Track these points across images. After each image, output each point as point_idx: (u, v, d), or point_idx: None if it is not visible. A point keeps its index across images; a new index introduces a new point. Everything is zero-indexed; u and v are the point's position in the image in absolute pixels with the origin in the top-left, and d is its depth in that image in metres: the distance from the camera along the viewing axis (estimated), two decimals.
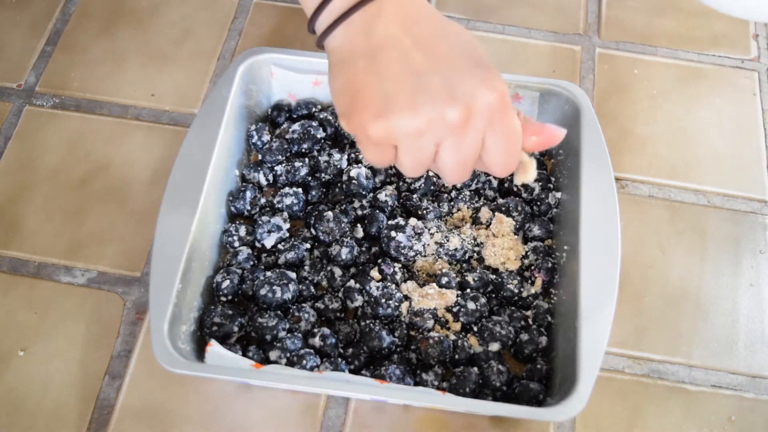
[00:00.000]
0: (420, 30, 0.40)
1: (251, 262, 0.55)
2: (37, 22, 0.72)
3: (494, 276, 0.54)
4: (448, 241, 0.54)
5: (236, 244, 0.55)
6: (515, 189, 0.58)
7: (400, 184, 0.58)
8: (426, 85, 0.39)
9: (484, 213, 0.56)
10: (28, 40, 0.71)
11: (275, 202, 0.57)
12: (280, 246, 0.55)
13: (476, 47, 0.41)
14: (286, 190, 0.57)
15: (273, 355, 0.50)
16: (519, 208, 0.56)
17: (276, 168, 0.59)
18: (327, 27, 0.41)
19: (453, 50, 0.40)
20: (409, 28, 0.40)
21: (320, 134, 0.59)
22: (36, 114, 0.66)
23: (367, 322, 0.51)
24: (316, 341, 0.50)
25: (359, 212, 0.57)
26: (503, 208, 0.57)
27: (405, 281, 0.53)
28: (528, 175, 0.46)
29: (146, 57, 0.70)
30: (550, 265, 0.54)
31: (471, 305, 0.51)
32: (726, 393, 0.54)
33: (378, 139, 0.40)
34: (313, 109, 0.62)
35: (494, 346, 0.51)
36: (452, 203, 0.57)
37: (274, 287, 0.51)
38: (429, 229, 0.55)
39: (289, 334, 0.51)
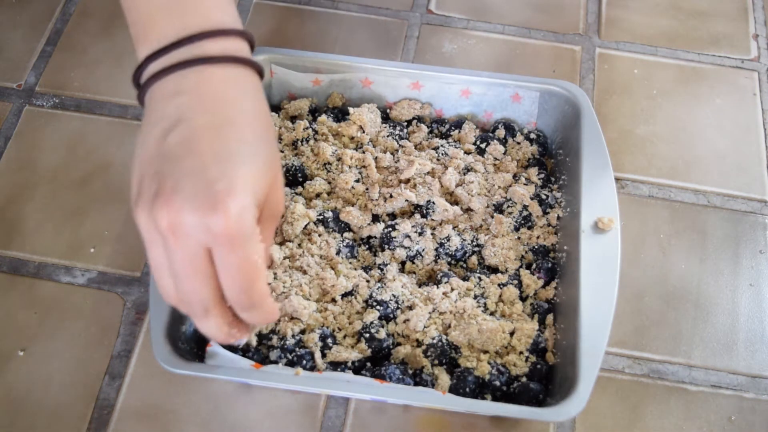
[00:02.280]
0: (200, 119, 0.37)
1: None
2: (37, 22, 0.72)
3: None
4: (448, 240, 0.54)
5: None
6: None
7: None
8: (161, 173, 0.36)
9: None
10: (28, 40, 0.71)
11: None
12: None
13: (238, 162, 0.36)
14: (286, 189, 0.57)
15: (273, 355, 0.50)
16: (518, 209, 0.56)
17: None
18: (140, 88, 0.40)
19: (214, 153, 0.36)
20: (192, 113, 0.37)
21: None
22: (36, 114, 0.66)
23: (368, 321, 0.51)
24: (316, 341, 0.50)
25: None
26: (502, 209, 0.57)
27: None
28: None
29: None
30: (550, 265, 0.54)
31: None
32: (726, 393, 0.54)
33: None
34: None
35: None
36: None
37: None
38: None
39: None
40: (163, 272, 0.38)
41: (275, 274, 0.53)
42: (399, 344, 0.51)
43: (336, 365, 0.49)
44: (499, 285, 0.53)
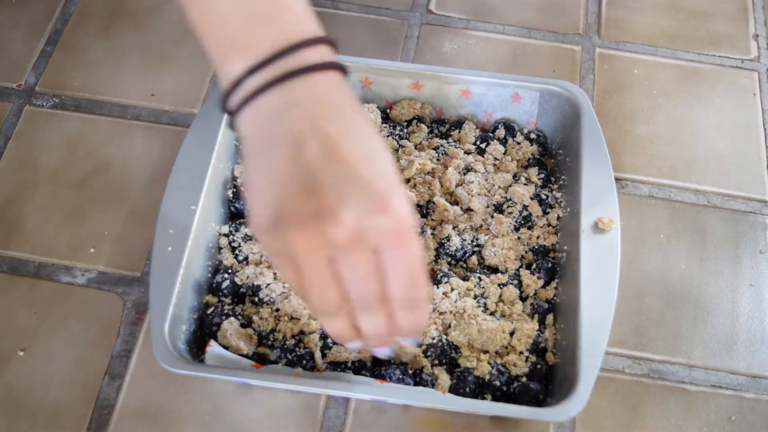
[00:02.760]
0: (329, 127, 0.35)
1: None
2: (37, 22, 0.72)
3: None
4: (448, 240, 0.54)
5: (236, 244, 0.55)
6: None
7: None
8: (313, 189, 0.34)
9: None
10: (28, 40, 0.71)
11: None
12: None
13: (386, 158, 0.36)
14: None
15: (273, 355, 0.50)
16: (518, 209, 0.56)
17: None
18: (236, 107, 0.37)
19: (358, 156, 0.35)
20: (319, 122, 0.35)
21: None
22: (36, 114, 0.66)
23: None
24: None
25: None
26: (501, 209, 0.57)
27: None
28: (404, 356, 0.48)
29: (146, 57, 0.70)
30: (550, 265, 0.54)
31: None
32: (726, 393, 0.54)
33: (275, 257, 0.36)
34: None
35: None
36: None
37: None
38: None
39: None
40: (329, 287, 0.36)
41: (275, 274, 0.53)
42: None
43: (336, 365, 0.49)
44: (499, 285, 0.53)
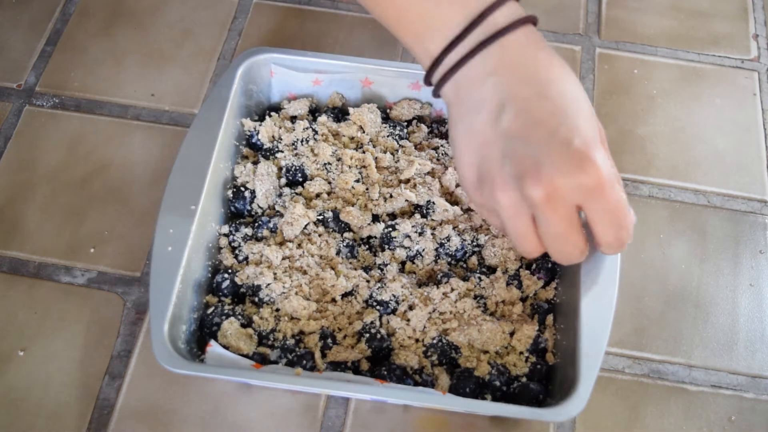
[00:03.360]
0: (523, 90, 0.38)
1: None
2: (37, 22, 0.72)
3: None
4: (448, 240, 0.54)
5: (236, 244, 0.55)
6: None
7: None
8: (512, 153, 0.37)
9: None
10: (28, 40, 0.71)
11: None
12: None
13: (580, 112, 0.37)
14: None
15: (273, 355, 0.50)
16: None
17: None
18: (437, 81, 0.41)
19: (553, 116, 0.37)
20: (513, 88, 0.38)
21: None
22: (36, 114, 0.66)
23: (368, 322, 0.51)
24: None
25: None
26: None
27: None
28: None
29: (146, 57, 0.70)
30: (550, 265, 0.54)
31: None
32: (726, 393, 0.54)
33: (481, 209, 0.40)
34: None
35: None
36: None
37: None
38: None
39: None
40: (529, 238, 0.40)
41: (275, 274, 0.53)
42: (399, 344, 0.51)
43: (336, 365, 0.49)
44: (499, 285, 0.53)
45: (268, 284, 0.52)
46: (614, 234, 0.39)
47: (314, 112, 0.62)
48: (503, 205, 0.38)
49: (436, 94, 0.43)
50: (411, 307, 0.51)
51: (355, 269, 0.54)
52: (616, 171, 0.40)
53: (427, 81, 0.43)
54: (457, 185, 0.58)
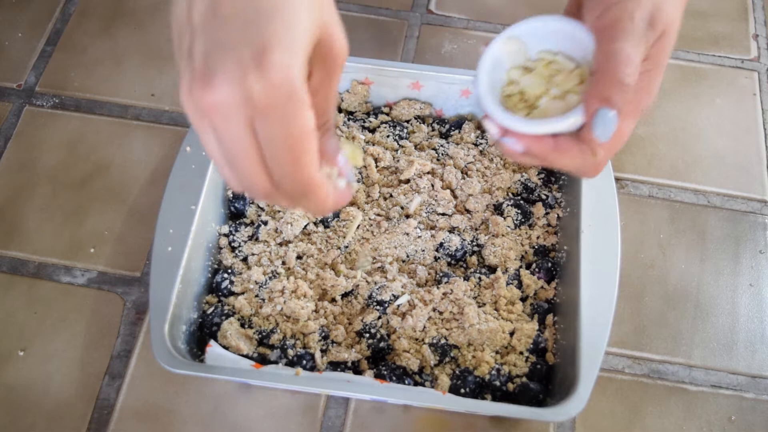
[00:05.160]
0: None
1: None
2: (37, 22, 0.72)
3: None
4: (448, 240, 0.54)
5: (236, 244, 0.55)
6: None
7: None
8: (191, 49, 0.32)
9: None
10: (28, 40, 0.71)
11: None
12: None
13: (272, 15, 0.31)
14: None
15: (273, 355, 0.50)
16: (515, 210, 0.56)
17: None
18: None
19: (239, 12, 0.31)
20: None
21: None
22: (36, 114, 0.66)
23: (368, 321, 0.51)
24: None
25: None
26: (499, 210, 0.57)
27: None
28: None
29: (146, 57, 0.70)
30: (550, 265, 0.54)
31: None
32: (726, 393, 0.54)
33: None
34: None
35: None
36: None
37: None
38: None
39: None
40: (220, 161, 0.34)
41: (275, 274, 0.53)
42: (399, 344, 0.51)
43: (336, 365, 0.49)
44: (499, 285, 0.53)
45: (268, 284, 0.52)
46: (282, 174, 0.32)
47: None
48: (188, 114, 0.33)
49: None
50: (411, 307, 0.51)
51: (355, 269, 0.54)
52: (310, 103, 0.32)
53: None
54: (457, 185, 0.58)
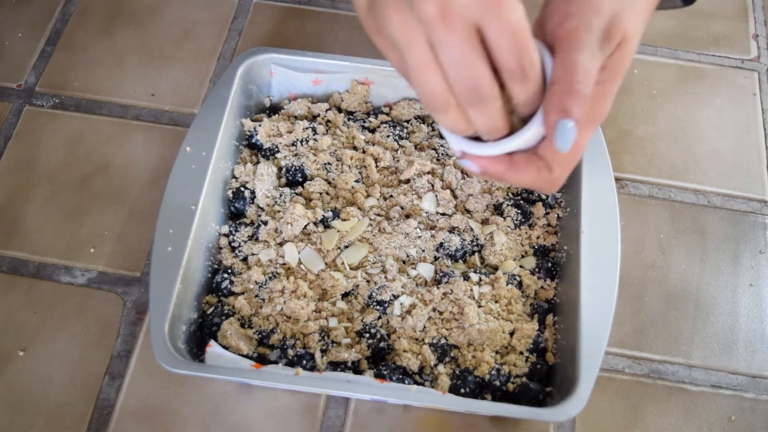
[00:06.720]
0: None
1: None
2: (37, 22, 0.72)
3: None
4: (448, 240, 0.54)
5: (236, 244, 0.55)
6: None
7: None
8: None
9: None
10: (28, 40, 0.71)
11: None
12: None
13: None
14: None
15: (273, 355, 0.50)
16: (515, 210, 0.56)
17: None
18: None
19: None
20: None
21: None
22: (36, 114, 0.66)
23: (368, 321, 0.51)
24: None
25: None
26: (499, 211, 0.57)
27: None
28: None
29: (146, 57, 0.70)
30: (550, 265, 0.54)
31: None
32: (726, 393, 0.54)
33: (378, 40, 0.35)
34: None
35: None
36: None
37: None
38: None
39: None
40: (429, 70, 0.34)
41: (275, 274, 0.53)
42: (399, 344, 0.51)
43: (336, 365, 0.49)
44: (499, 285, 0.53)
45: (268, 284, 0.52)
46: (516, 60, 0.34)
47: (315, 117, 0.62)
48: (395, 27, 0.34)
49: None
50: (411, 307, 0.51)
51: (355, 269, 0.54)
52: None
53: None
54: (457, 185, 0.58)
